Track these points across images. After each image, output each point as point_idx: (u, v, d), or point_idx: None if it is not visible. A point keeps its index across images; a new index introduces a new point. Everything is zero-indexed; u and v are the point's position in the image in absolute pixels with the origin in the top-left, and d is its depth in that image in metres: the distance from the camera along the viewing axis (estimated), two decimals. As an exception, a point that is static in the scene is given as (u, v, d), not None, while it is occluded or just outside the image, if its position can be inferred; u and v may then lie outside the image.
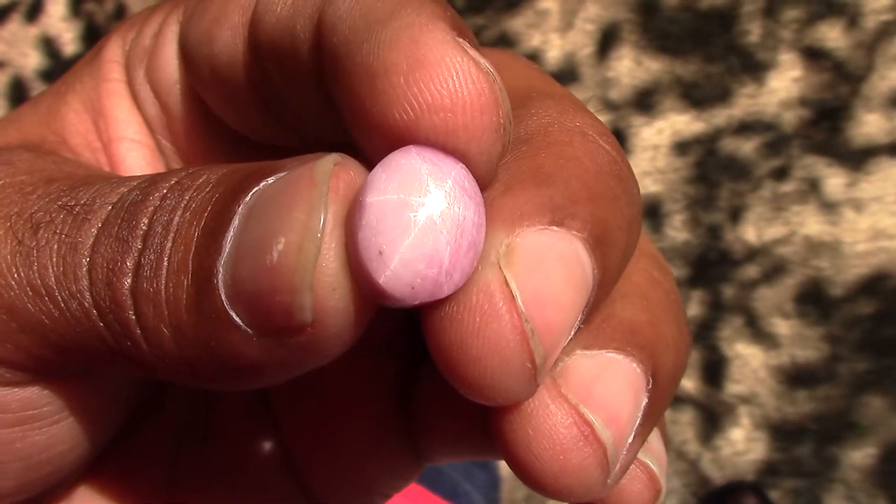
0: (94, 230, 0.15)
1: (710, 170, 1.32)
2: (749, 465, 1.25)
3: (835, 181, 1.27)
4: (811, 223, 1.27)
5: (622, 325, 0.16)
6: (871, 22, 1.30)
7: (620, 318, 0.16)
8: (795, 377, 1.25)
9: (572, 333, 0.14)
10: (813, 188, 1.28)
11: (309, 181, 0.13)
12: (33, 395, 0.16)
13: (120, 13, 1.62)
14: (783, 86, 1.32)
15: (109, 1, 1.64)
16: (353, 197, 0.13)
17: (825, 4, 1.32)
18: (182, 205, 0.14)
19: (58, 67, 1.64)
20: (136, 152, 0.21)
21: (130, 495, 0.21)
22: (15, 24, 1.68)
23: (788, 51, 1.32)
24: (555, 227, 0.14)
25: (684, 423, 1.27)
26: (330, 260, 0.13)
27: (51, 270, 0.15)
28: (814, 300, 1.25)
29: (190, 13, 0.19)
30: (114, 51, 0.21)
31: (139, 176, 0.16)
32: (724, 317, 1.28)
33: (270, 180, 0.14)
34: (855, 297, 1.24)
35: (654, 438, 0.17)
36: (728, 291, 1.28)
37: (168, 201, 0.15)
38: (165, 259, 0.14)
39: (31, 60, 1.67)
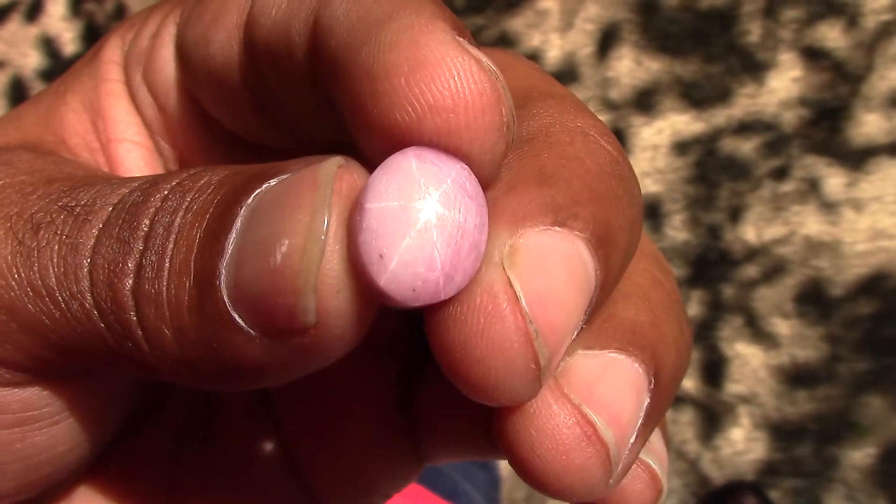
0: (94, 231, 0.15)
1: (710, 170, 1.32)
2: (749, 464, 1.25)
3: (834, 181, 1.28)
4: (811, 223, 1.27)
5: (624, 326, 0.16)
6: (870, 22, 1.30)
7: (622, 318, 0.16)
8: (795, 377, 1.25)
9: (575, 334, 0.14)
10: (813, 188, 1.28)
11: (312, 183, 0.13)
12: (33, 396, 0.16)
13: (120, 13, 1.62)
14: (783, 86, 1.32)
15: (109, 1, 1.64)
16: (355, 199, 0.13)
17: (825, 4, 1.32)
18: (184, 206, 0.14)
19: (58, 67, 1.64)
20: (134, 153, 0.21)
21: (130, 496, 0.20)
22: (15, 24, 1.68)
23: (788, 51, 1.32)
24: (557, 228, 0.14)
25: (684, 423, 1.27)
26: (334, 262, 0.13)
27: (51, 271, 0.15)
28: (814, 300, 1.25)
29: (187, 15, 0.19)
30: (113, 51, 0.21)
31: (140, 177, 0.16)
32: (723, 317, 1.28)
33: (273, 182, 0.14)
34: (855, 297, 1.24)
35: (656, 438, 0.17)
36: (728, 291, 1.28)
37: (169, 202, 0.14)
38: (167, 260, 0.14)
39: (31, 60, 1.67)
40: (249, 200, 0.14)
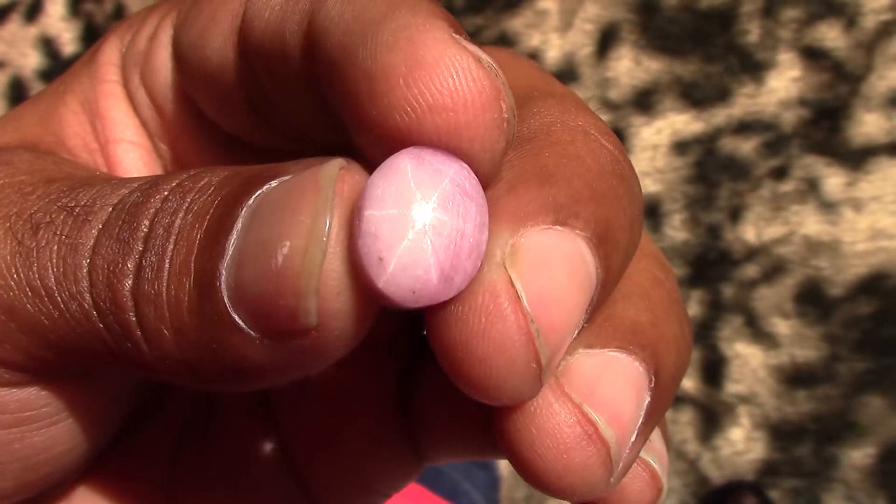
0: (94, 231, 0.15)
1: (710, 169, 1.32)
2: (749, 464, 1.25)
3: (834, 181, 1.28)
4: (810, 223, 1.27)
5: (624, 324, 0.16)
6: (870, 22, 1.30)
7: (622, 317, 0.16)
8: (795, 377, 1.25)
9: (576, 333, 0.14)
10: (812, 188, 1.28)
11: (314, 185, 0.13)
12: (32, 396, 0.16)
13: (119, 13, 1.62)
14: (782, 86, 1.32)
15: (109, 1, 1.64)
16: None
17: (824, 4, 1.32)
18: (184, 207, 0.14)
19: (57, 67, 1.64)
20: (133, 154, 0.21)
21: (130, 496, 0.20)
22: (14, 24, 1.68)
23: (788, 51, 1.32)
24: (559, 227, 0.14)
25: (684, 423, 1.27)
26: (335, 264, 0.13)
27: (51, 271, 0.15)
28: (813, 300, 1.25)
29: (182, 18, 0.19)
30: (111, 52, 0.21)
31: (139, 177, 0.16)
32: (723, 316, 1.28)
33: (274, 184, 0.14)
34: (854, 296, 1.24)
35: (656, 437, 0.17)
36: (727, 291, 1.28)
37: (169, 203, 0.14)
38: (167, 261, 0.14)
39: (31, 60, 1.67)
40: (250, 202, 0.14)
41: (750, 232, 1.29)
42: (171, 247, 0.14)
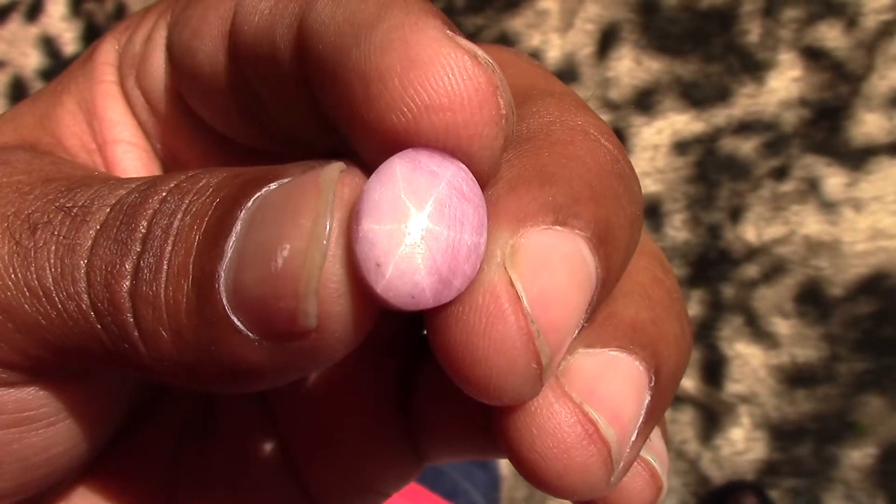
0: (92, 232, 0.15)
1: (710, 169, 1.32)
2: (749, 464, 1.25)
3: (834, 181, 1.28)
4: (811, 223, 1.27)
5: (624, 324, 0.16)
6: (870, 22, 1.30)
7: (623, 316, 0.16)
8: (795, 377, 1.25)
9: (576, 332, 0.14)
10: (812, 188, 1.28)
11: (314, 188, 0.13)
12: (30, 396, 0.16)
13: (119, 13, 1.62)
14: (783, 85, 1.32)
15: (109, 1, 1.64)
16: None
17: (825, 4, 1.32)
18: (182, 208, 0.14)
19: (58, 67, 1.64)
20: (131, 154, 0.21)
21: (130, 496, 0.20)
22: (15, 24, 1.68)
23: (788, 51, 1.32)
24: (558, 227, 0.14)
25: (684, 423, 1.27)
26: (335, 267, 0.13)
27: (48, 272, 0.15)
28: (813, 300, 1.25)
29: (174, 20, 0.19)
30: (107, 53, 0.21)
31: (137, 178, 0.16)
32: (723, 316, 1.28)
33: (273, 186, 0.14)
34: (854, 296, 1.24)
35: (656, 436, 0.17)
36: (728, 291, 1.28)
37: (168, 205, 0.14)
38: (165, 262, 0.14)
39: (32, 60, 1.67)
40: (249, 204, 0.14)
41: (750, 232, 1.29)
42: (169, 248, 0.14)
